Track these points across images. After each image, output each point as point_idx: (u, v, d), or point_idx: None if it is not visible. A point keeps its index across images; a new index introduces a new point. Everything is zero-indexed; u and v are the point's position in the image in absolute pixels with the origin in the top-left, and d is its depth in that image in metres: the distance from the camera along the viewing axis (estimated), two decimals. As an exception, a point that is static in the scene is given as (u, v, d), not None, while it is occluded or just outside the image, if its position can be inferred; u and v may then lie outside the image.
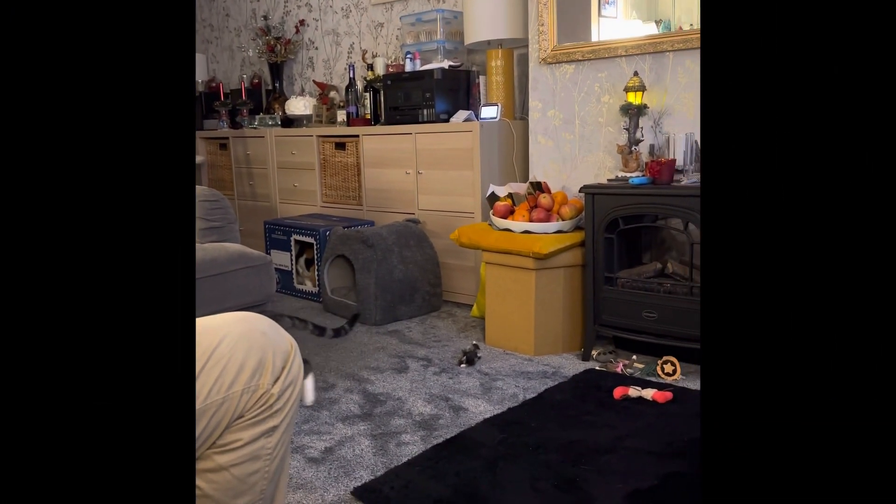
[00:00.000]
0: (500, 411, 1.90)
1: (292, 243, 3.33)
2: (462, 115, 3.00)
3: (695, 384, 2.07)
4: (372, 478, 1.56)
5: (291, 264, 3.36)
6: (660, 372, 2.13)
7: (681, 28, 2.39)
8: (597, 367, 2.24)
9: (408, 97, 3.14)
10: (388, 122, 3.25)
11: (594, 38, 2.59)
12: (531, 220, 2.41)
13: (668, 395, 1.92)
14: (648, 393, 1.93)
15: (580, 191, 2.32)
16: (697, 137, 2.35)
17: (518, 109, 3.20)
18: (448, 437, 1.75)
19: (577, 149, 2.71)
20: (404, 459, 1.64)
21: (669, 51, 2.40)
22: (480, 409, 1.93)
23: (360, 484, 1.53)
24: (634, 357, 2.29)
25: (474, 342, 2.45)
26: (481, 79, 3.14)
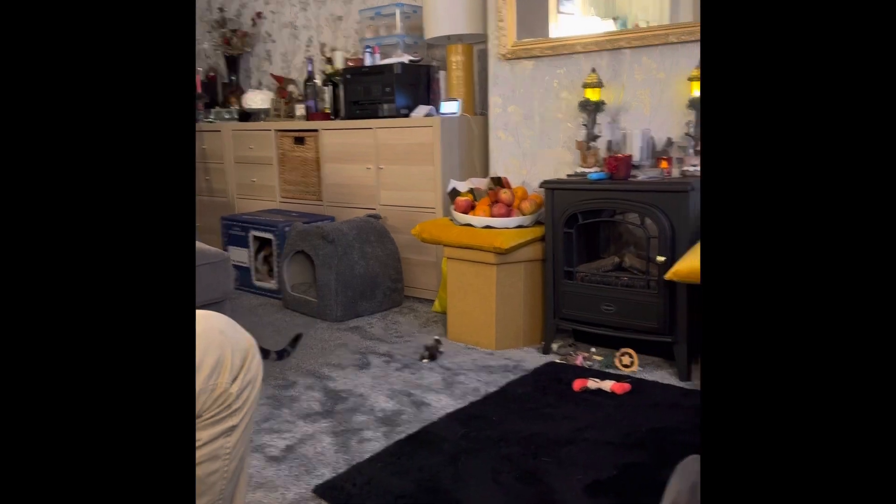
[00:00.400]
0: (462, 406, 1.91)
1: (251, 239, 3.28)
2: (422, 110, 2.99)
3: (652, 375, 2.11)
4: (334, 475, 1.55)
5: (250, 261, 3.31)
6: (618, 364, 2.17)
7: (637, 25, 2.43)
8: (557, 360, 2.27)
9: (368, 92, 3.12)
10: (348, 117, 3.22)
11: (553, 35, 2.61)
12: (492, 216, 2.42)
13: (626, 386, 1.96)
14: (607, 384, 1.97)
15: (540, 186, 2.34)
16: (653, 133, 2.39)
17: (478, 105, 3.21)
18: (410, 432, 1.75)
19: (536, 144, 2.73)
20: (366, 456, 1.63)
21: (626, 48, 2.44)
22: (443, 404, 1.93)
23: (321, 482, 1.52)
24: (593, 349, 2.32)
25: (436, 337, 2.46)
26: (441, 74, 3.13)
